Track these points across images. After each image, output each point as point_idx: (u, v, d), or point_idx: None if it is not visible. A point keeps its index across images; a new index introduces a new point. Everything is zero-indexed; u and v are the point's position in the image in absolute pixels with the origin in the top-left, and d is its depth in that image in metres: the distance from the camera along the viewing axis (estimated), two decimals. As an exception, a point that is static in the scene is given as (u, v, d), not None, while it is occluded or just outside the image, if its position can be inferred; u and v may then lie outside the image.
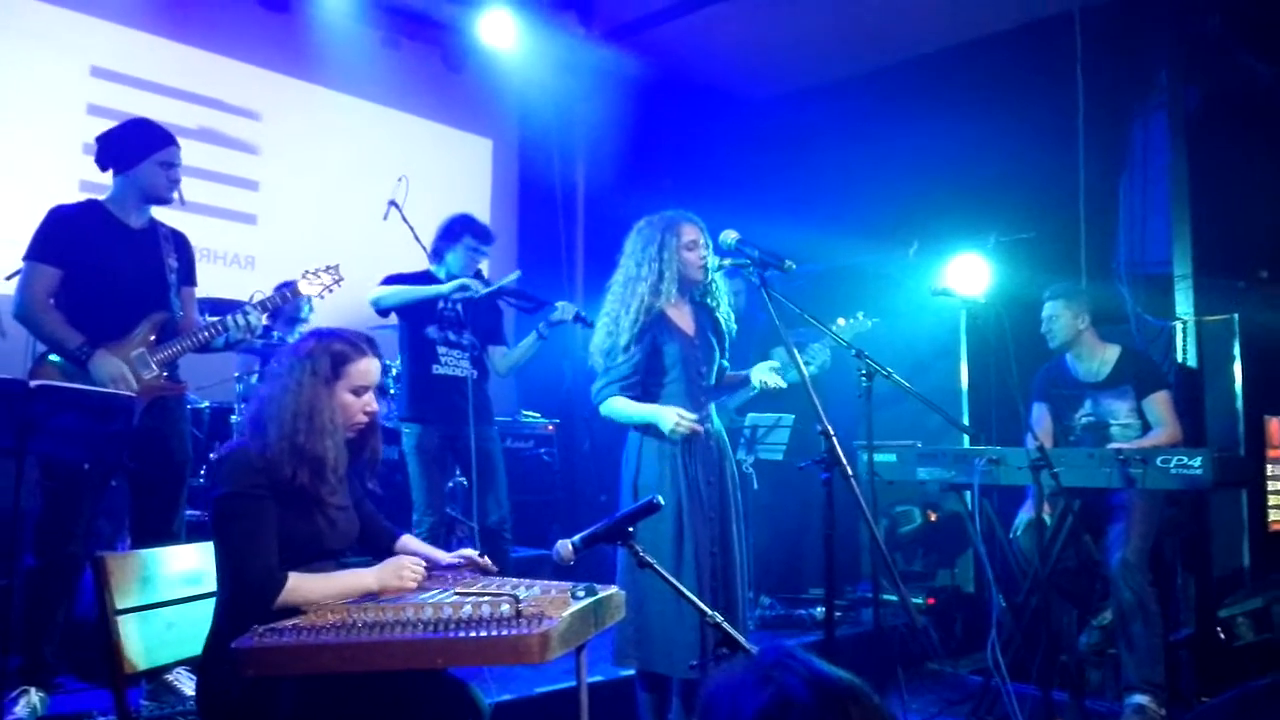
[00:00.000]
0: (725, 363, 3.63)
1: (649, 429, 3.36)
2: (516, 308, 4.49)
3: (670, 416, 3.27)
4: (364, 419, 2.46)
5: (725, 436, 3.52)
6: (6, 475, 2.70)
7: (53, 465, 3.21)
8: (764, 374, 3.49)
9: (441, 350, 4.33)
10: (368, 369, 2.45)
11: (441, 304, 4.34)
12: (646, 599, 3.15)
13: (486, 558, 2.57)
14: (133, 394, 3.24)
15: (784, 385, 3.49)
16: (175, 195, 3.53)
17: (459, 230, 4.41)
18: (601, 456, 6.21)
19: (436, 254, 4.45)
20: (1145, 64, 5.40)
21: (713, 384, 3.53)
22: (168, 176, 3.47)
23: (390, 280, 4.42)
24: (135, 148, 3.45)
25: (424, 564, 2.41)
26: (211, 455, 4.88)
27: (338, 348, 2.42)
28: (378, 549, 2.63)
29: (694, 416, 3.30)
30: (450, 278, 4.35)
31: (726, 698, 1.15)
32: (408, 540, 2.67)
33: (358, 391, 2.43)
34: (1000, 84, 6.00)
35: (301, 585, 2.23)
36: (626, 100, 7.05)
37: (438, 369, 4.32)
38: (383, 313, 4.43)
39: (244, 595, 2.23)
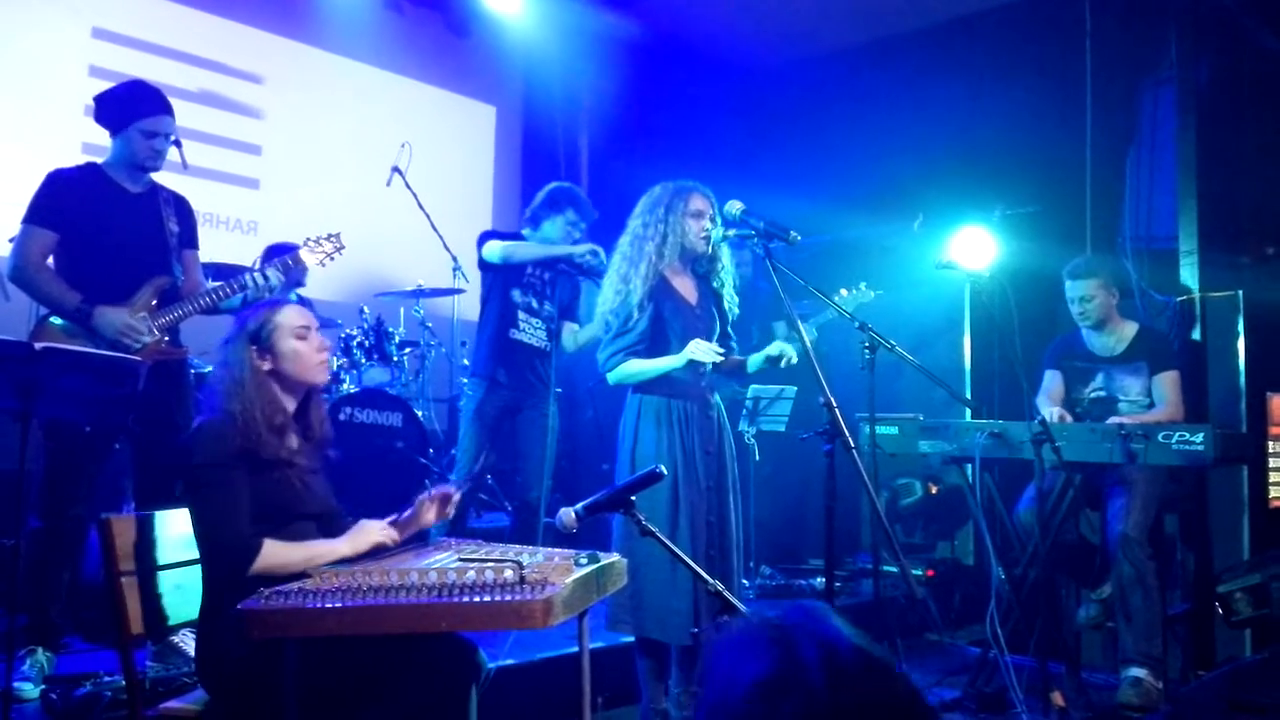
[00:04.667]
0: (733, 344, 3.62)
1: (648, 398, 3.37)
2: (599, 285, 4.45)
3: (694, 348, 3.27)
4: (322, 357, 2.53)
5: (723, 408, 3.53)
6: (11, 437, 2.71)
7: (56, 427, 3.22)
8: (775, 349, 3.42)
9: (522, 316, 4.29)
10: (291, 312, 2.53)
11: (530, 270, 4.30)
12: (641, 566, 3.16)
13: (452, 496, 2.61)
14: (140, 349, 3.24)
15: (795, 359, 3.47)
16: (161, 162, 3.46)
17: (564, 202, 4.32)
18: (604, 424, 6.22)
19: (534, 220, 4.37)
20: (1155, 36, 5.35)
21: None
22: (150, 146, 3.40)
23: (497, 236, 4.33)
24: (124, 112, 3.40)
25: (389, 525, 2.46)
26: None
27: (254, 317, 2.51)
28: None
29: (714, 345, 3.32)
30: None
31: (728, 656, 0.97)
32: (363, 523, 2.52)
33: (300, 335, 2.49)
34: (1008, 55, 5.95)
35: (276, 551, 2.27)
36: (631, 67, 7.01)
37: (515, 334, 4.29)
38: (491, 267, 4.30)
39: (218, 564, 2.27)
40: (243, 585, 2.13)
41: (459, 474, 4.30)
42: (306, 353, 2.49)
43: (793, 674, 0.92)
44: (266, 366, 2.47)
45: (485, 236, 4.35)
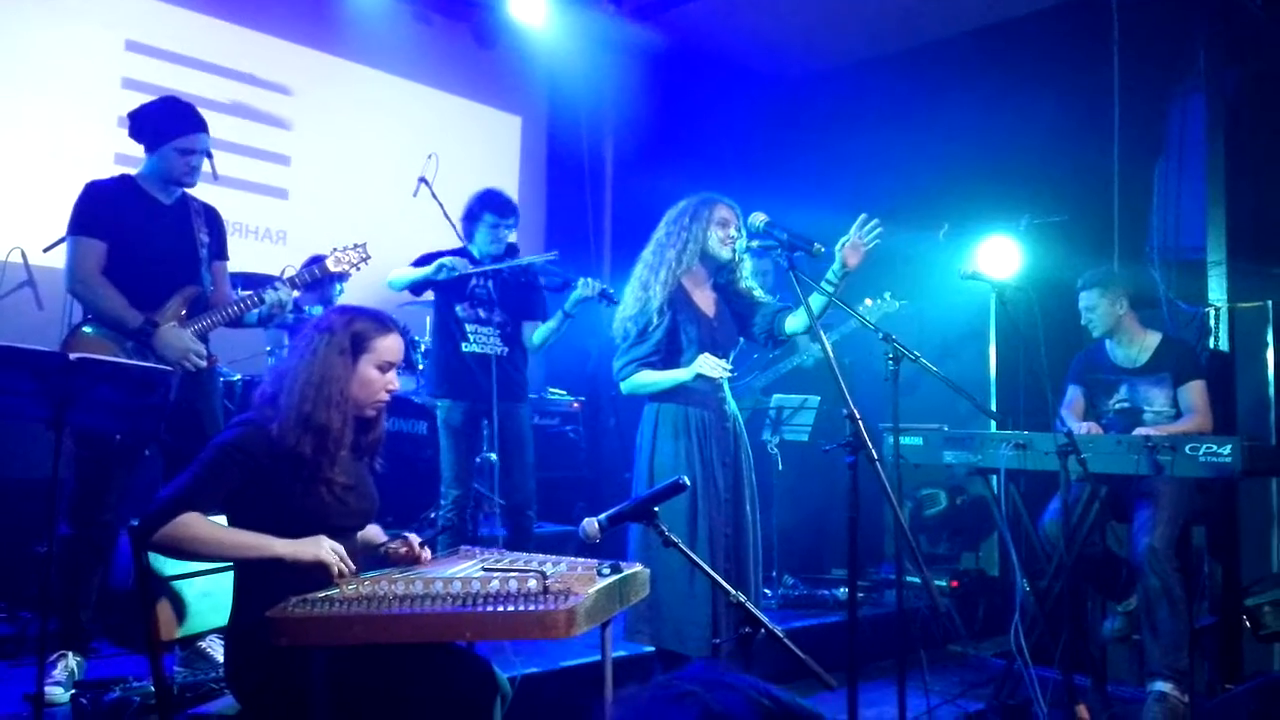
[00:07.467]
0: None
1: (665, 407, 3.39)
2: (544, 286, 4.53)
3: (702, 362, 3.30)
4: (385, 396, 2.47)
5: (740, 419, 3.54)
6: (44, 445, 2.75)
7: (86, 435, 3.26)
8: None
9: (470, 328, 4.38)
10: (393, 345, 2.47)
11: (473, 282, 4.40)
12: (659, 577, 3.16)
13: (427, 549, 2.54)
14: (177, 368, 3.29)
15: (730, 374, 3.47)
16: (196, 178, 3.51)
17: (478, 209, 4.48)
18: (627, 434, 6.21)
19: (466, 233, 4.52)
20: (1183, 45, 5.31)
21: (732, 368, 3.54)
22: (186, 163, 3.45)
23: (419, 260, 4.48)
24: (159, 130, 3.45)
25: (343, 550, 2.29)
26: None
27: (361, 324, 2.44)
28: None
29: (723, 362, 3.34)
30: (483, 254, 4.45)
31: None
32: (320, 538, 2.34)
33: (383, 368, 2.45)
34: (1034, 64, 5.92)
35: (194, 523, 2.22)
36: (655, 77, 7.03)
37: (466, 346, 4.36)
38: (418, 289, 4.47)
39: (149, 511, 2.25)
40: (151, 543, 2.20)
41: (443, 485, 4.38)
42: (377, 385, 2.43)
43: (721, 716, 0.92)
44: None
45: (414, 261, 4.48)
